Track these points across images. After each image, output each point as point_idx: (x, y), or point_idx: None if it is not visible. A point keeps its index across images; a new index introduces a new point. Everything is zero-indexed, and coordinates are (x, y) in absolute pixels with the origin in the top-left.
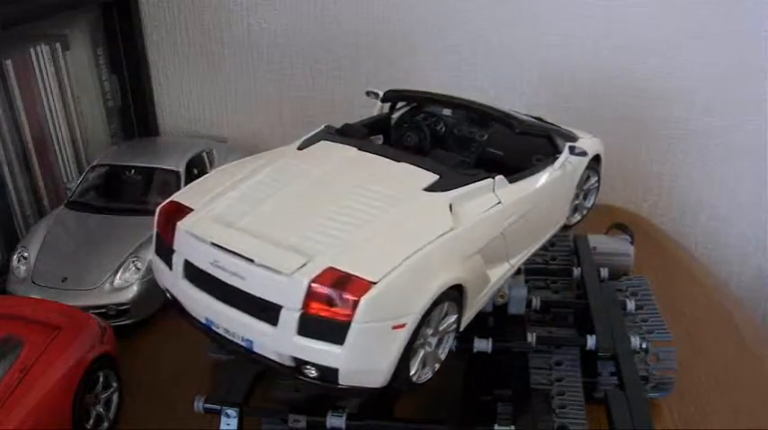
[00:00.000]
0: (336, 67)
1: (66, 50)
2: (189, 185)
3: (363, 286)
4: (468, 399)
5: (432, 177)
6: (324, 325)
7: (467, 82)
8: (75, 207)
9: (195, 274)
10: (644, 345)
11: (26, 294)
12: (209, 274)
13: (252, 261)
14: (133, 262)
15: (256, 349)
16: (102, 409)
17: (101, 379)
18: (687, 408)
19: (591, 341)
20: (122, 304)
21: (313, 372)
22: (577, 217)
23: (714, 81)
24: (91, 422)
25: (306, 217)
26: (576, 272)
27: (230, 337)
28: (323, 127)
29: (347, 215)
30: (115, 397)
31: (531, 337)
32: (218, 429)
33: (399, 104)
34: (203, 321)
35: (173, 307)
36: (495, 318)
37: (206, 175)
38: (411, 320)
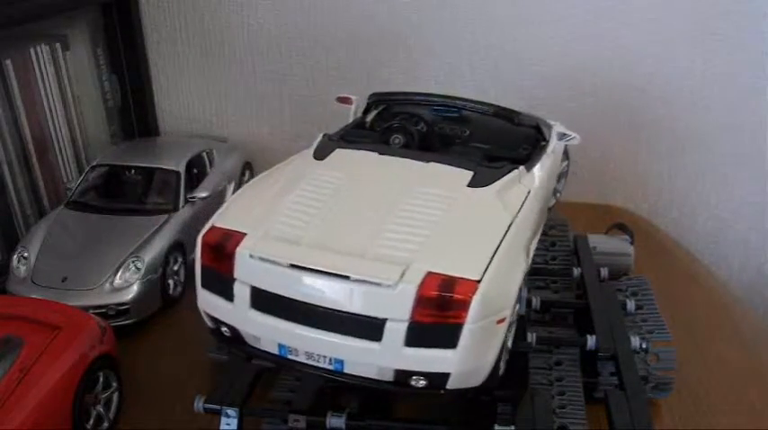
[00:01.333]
0: (336, 67)
1: (66, 50)
2: (222, 210)
3: (470, 286)
4: (469, 399)
5: (467, 173)
6: (434, 331)
7: (467, 82)
8: (76, 207)
9: (267, 301)
10: (644, 345)
11: (26, 294)
12: (288, 299)
13: (347, 277)
14: (133, 262)
15: (348, 370)
16: (102, 409)
17: (101, 379)
18: (687, 408)
19: (591, 341)
20: (122, 304)
21: (421, 382)
22: (553, 200)
23: (714, 81)
24: (91, 422)
25: (369, 226)
26: (576, 272)
27: (313, 363)
28: (322, 136)
29: (410, 219)
30: (115, 397)
31: (531, 337)
32: (218, 429)
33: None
34: (275, 351)
35: (227, 342)
36: None
37: (234, 197)
38: (509, 313)
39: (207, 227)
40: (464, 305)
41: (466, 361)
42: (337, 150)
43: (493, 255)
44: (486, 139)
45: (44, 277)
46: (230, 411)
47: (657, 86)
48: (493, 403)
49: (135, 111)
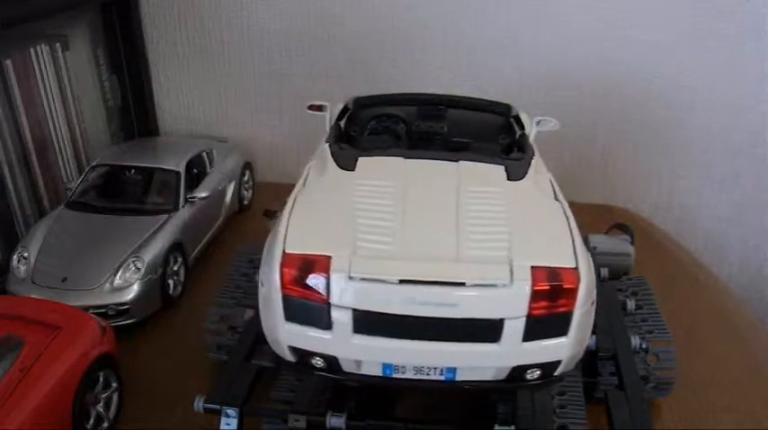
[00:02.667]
0: (336, 67)
1: (66, 50)
2: (283, 237)
3: (573, 274)
4: (469, 399)
5: (500, 168)
6: (548, 322)
7: (467, 81)
8: (76, 207)
9: (373, 322)
10: (644, 345)
11: (26, 294)
12: (397, 316)
13: (462, 284)
14: (133, 262)
15: (460, 377)
16: (102, 409)
17: (101, 379)
18: (687, 408)
19: (591, 341)
20: (122, 304)
21: (536, 373)
22: None
23: (714, 81)
24: (91, 422)
25: (447, 230)
26: None
27: (422, 377)
28: (328, 145)
29: (479, 218)
30: (115, 397)
31: None
32: (218, 429)
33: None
34: (379, 373)
35: (315, 372)
36: None
37: (290, 223)
38: (596, 294)
39: (278, 256)
40: (573, 293)
41: (575, 345)
42: (361, 159)
43: (573, 242)
44: (464, 133)
45: (44, 277)
46: (230, 411)
47: (657, 87)
48: (493, 403)
49: (135, 111)
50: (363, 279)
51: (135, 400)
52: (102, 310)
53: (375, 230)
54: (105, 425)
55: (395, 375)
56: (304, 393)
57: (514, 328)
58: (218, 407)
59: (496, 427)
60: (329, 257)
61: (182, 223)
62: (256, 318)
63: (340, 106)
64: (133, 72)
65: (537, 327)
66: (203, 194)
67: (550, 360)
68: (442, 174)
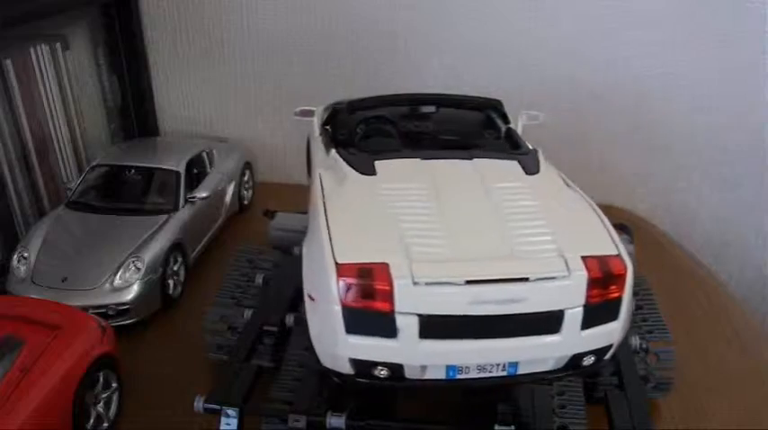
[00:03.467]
0: (336, 67)
1: (66, 50)
2: (331, 247)
3: (620, 261)
4: (469, 399)
5: (514, 163)
6: (602, 309)
7: (466, 81)
8: (76, 207)
9: (439, 326)
10: (644, 345)
11: (26, 294)
12: (462, 317)
13: (525, 279)
14: (133, 262)
15: (522, 370)
16: (102, 409)
17: (101, 379)
18: (687, 408)
19: None
20: (122, 304)
21: (591, 359)
22: None
23: (714, 81)
24: (91, 422)
25: (490, 228)
26: None
27: (485, 375)
28: (338, 153)
29: (516, 214)
30: (115, 397)
31: None
32: (218, 429)
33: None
34: (442, 376)
35: (378, 381)
36: None
37: (328, 230)
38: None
39: (330, 267)
40: (622, 279)
41: (623, 329)
42: (377, 163)
43: (608, 230)
44: (450, 131)
45: (44, 277)
46: (230, 411)
47: (657, 87)
48: (493, 403)
49: (135, 111)
50: (429, 283)
51: (135, 400)
52: (102, 310)
53: (423, 234)
54: (105, 425)
55: (458, 376)
56: (304, 393)
57: (574, 318)
58: (218, 407)
59: (496, 427)
60: (386, 264)
61: (182, 223)
62: (254, 318)
63: (320, 110)
64: (133, 72)
65: (593, 315)
66: (203, 194)
67: (604, 345)
68: (465, 173)
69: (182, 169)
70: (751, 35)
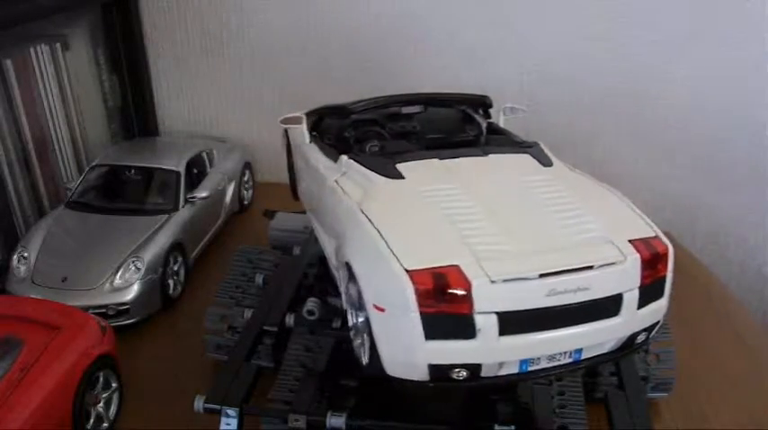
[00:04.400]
0: (336, 68)
1: (66, 50)
2: (395, 255)
3: (660, 241)
4: (469, 399)
5: (527, 157)
6: (652, 288)
7: (466, 81)
8: (75, 207)
9: (516, 322)
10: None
11: (26, 294)
12: (537, 310)
13: (590, 268)
14: (133, 262)
15: (585, 355)
16: (102, 409)
17: (101, 379)
18: (687, 408)
19: None
20: (122, 304)
21: (643, 337)
22: None
23: (714, 81)
24: (91, 422)
25: (538, 220)
26: None
27: (553, 364)
28: (352, 159)
29: (554, 205)
30: (115, 397)
31: None
32: (218, 429)
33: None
34: (516, 370)
35: (454, 384)
36: None
37: (382, 237)
38: None
39: (400, 275)
40: (666, 258)
41: (667, 305)
42: (399, 165)
43: (638, 213)
44: (435, 129)
45: (44, 277)
46: (230, 411)
47: (657, 87)
48: (493, 403)
49: (135, 111)
50: (505, 281)
51: (135, 400)
52: (102, 310)
53: (477, 233)
54: (105, 425)
55: (530, 368)
56: (304, 393)
57: (631, 299)
58: (218, 407)
59: (496, 427)
60: (457, 266)
61: (182, 223)
62: (254, 318)
63: (299, 115)
64: (133, 72)
65: (646, 295)
66: (203, 194)
67: (654, 321)
68: (490, 169)
69: (182, 169)
70: (751, 35)
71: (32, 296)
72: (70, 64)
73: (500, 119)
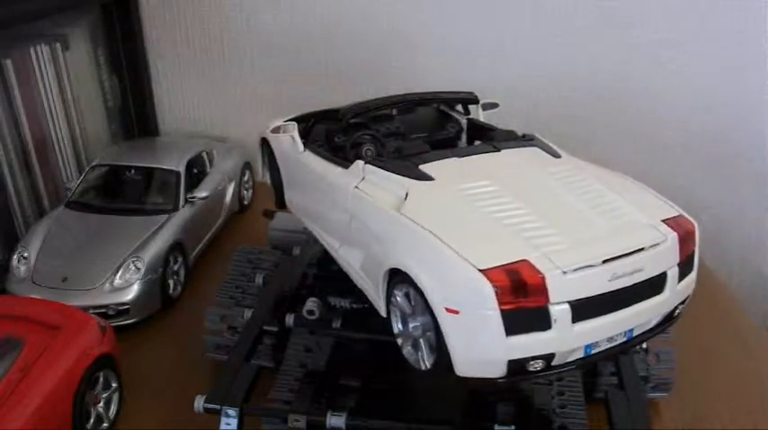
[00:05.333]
0: (336, 67)
1: (66, 50)
2: (462, 257)
3: (688, 220)
4: (469, 399)
5: (537, 150)
6: (686, 264)
7: (466, 82)
8: (75, 207)
9: (585, 308)
10: (644, 345)
11: (26, 294)
12: (602, 295)
13: (641, 250)
14: (133, 262)
15: (636, 333)
16: (102, 409)
17: (101, 379)
18: (687, 408)
19: None
20: (122, 304)
21: (679, 310)
22: None
23: (714, 81)
24: (91, 422)
25: (578, 209)
26: None
27: (611, 345)
28: (371, 164)
29: (586, 194)
30: (115, 397)
31: None
32: (218, 429)
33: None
34: (582, 355)
35: (533, 375)
36: None
37: (441, 240)
38: None
39: (473, 275)
40: (694, 235)
41: (696, 280)
42: (422, 166)
43: (657, 195)
44: (417, 129)
45: (44, 277)
46: (230, 411)
47: (657, 87)
48: (493, 403)
49: (135, 112)
50: (575, 270)
51: (135, 400)
52: (102, 310)
53: (529, 226)
54: (105, 425)
55: (593, 352)
56: (304, 393)
57: (673, 275)
58: (218, 407)
59: (496, 427)
60: (526, 261)
61: (182, 223)
62: (254, 318)
63: (289, 124)
64: (133, 72)
65: (682, 270)
66: (203, 194)
67: (688, 294)
68: (512, 164)
69: (182, 169)
70: (752, 35)
71: (32, 296)
72: (70, 64)
73: (479, 114)
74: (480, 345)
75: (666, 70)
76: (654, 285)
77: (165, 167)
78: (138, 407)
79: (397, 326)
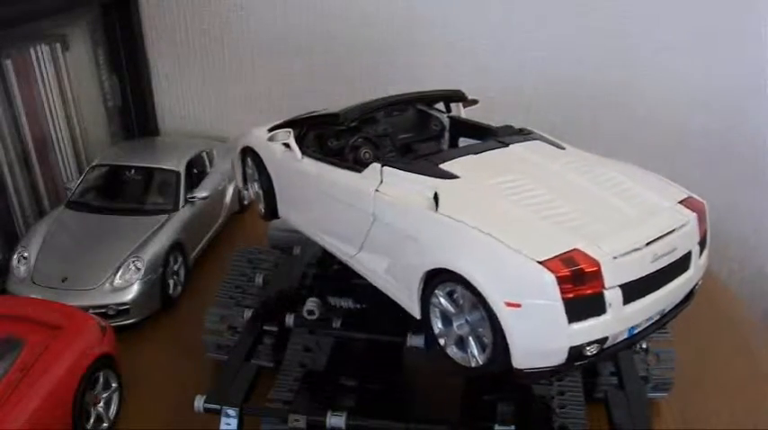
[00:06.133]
0: (336, 67)
1: (66, 50)
2: (517, 250)
3: (699, 200)
4: (469, 399)
5: (540, 142)
6: (702, 242)
7: (466, 82)
8: (75, 207)
9: (633, 290)
10: (644, 345)
11: (26, 294)
12: (648, 276)
13: (672, 231)
14: (133, 262)
15: (666, 311)
16: (102, 409)
17: (101, 379)
18: (687, 408)
19: None
20: (122, 304)
21: (698, 285)
22: None
23: (714, 81)
24: (91, 422)
25: (604, 197)
26: None
27: (648, 324)
28: (391, 167)
29: (604, 181)
30: (115, 397)
31: None
32: (218, 429)
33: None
34: (626, 336)
35: (588, 359)
36: None
37: (492, 238)
38: None
39: (532, 268)
40: (706, 214)
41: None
42: (441, 165)
43: (664, 179)
44: (402, 129)
45: (44, 277)
46: (230, 411)
47: (657, 86)
48: (493, 403)
49: (135, 111)
50: (623, 254)
51: (135, 400)
52: (102, 310)
53: (566, 217)
54: (105, 425)
55: (634, 332)
56: (304, 393)
57: (696, 253)
58: (218, 407)
59: (496, 427)
60: (578, 249)
61: (182, 223)
62: (254, 318)
63: (264, 131)
64: (133, 72)
65: (701, 247)
66: (203, 194)
67: (703, 272)
68: (527, 158)
69: (182, 169)
70: (751, 35)
71: (32, 296)
72: (70, 64)
73: (461, 111)
74: (543, 336)
75: (667, 72)
76: (682, 264)
77: (164, 167)
78: (138, 407)
79: (438, 327)
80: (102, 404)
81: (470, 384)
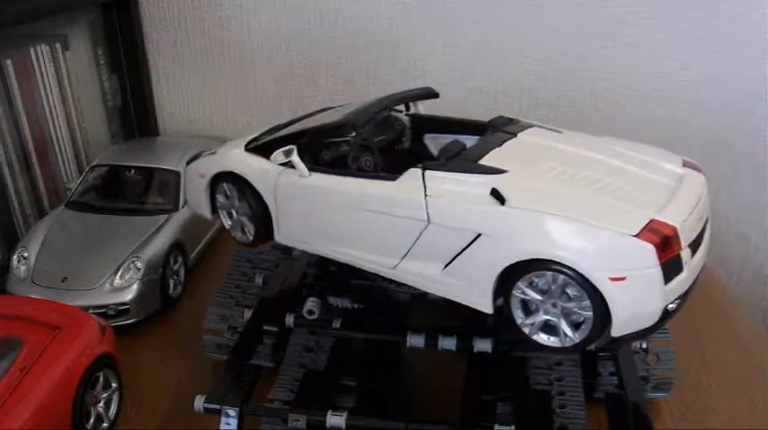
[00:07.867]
0: (336, 67)
1: (66, 50)
2: (610, 229)
3: (693, 161)
4: (469, 399)
5: (540, 129)
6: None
7: (466, 82)
8: (75, 207)
9: (693, 248)
10: (644, 345)
11: (26, 294)
12: (698, 235)
13: (701, 198)
14: (133, 262)
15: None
16: (102, 409)
17: (101, 379)
18: (687, 408)
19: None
20: (122, 304)
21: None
22: None
23: (714, 81)
24: (91, 422)
25: (629, 173)
26: None
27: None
28: (434, 170)
29: (620, 159)
30: (115, 397)
31: None
32: (218, 429)
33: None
34: (686, 288)
35: (669, 316)
36: (496, 318)
37: (576, 220)
38: None
39: (626, 241)
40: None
41: None
42: (481, 162)
43: (659, 149)
44: (374, 132)
45: (44, 277)
46: (230, 411)
47: (657, 86)
48: (493, 403)
49: (135, 111)
50: (685, 219)
51: (135, 400)
52: (102, 310)
53: (622, 192)
54: (105, 425)
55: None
56: (304, 393)
57: (709, 221)
58: (218, 407)
59: (496, 427)
60: (655, 219)
61: (182, 223)
62: (254, 318)
63: (240, 151)
64: (133, 72)
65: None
66: None
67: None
68: (546, 145)
69: (182, 169)
70: (751, 35)
71: (32, 296)
72: (70, 64)
73: (419, 107)
74: (644, 302)
75: (667, 71)
76: (705, 229)
77: (164, 167)
78: (138, 406)
79: (520, 316)
80: (102, 404)
81: (470, 384)
